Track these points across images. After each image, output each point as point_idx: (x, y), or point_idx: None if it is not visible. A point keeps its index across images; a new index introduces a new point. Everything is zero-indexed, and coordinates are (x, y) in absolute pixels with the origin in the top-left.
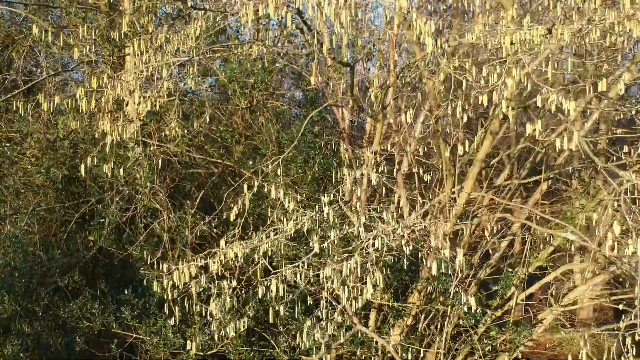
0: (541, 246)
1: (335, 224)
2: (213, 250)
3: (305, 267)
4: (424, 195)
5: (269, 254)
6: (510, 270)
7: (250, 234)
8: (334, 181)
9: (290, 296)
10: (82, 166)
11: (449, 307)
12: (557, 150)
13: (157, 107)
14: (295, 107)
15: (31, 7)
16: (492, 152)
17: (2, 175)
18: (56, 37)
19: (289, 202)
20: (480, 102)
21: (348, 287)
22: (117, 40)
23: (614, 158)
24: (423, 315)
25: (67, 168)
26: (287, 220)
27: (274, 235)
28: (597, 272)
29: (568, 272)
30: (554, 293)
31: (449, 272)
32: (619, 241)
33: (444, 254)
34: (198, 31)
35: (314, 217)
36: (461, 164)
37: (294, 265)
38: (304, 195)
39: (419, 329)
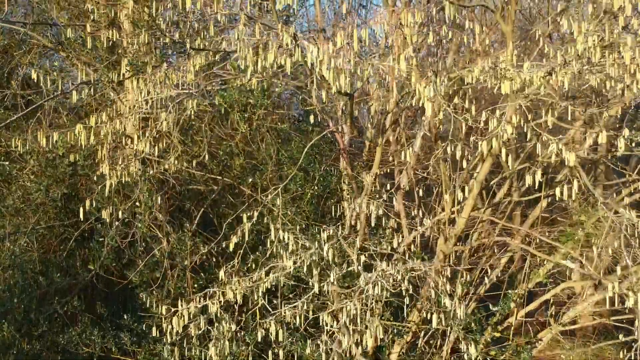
0: (543, 260)
1: (335, 262)
2: (212, 289)
3: (305, 307)
4: (424, 212)
5: (269, 291)
6: (509, 289)
7: (250, 264)
8: (334, 199)
9: (290, 339)
10: (81, 209)
11: (449, 327)
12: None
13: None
14: (294, 120)
15: (30, 24)
16: (493, 169)
17: (1, 194)
18: (55, 53)
19: (288, 237)
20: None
21: (348, 330)
22: (117, 71)
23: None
24: (422, 333)
25: (67, 186)
26: (286, 255)
27: (274, 274)
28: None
29: (569, 287)
30: (553, 312)
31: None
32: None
33: (444, 297)
34: (197, 67)
35: (313, 254)
36: (461, 181)
37: (293, 305)
38: (304, 213)
39: (419, 346)
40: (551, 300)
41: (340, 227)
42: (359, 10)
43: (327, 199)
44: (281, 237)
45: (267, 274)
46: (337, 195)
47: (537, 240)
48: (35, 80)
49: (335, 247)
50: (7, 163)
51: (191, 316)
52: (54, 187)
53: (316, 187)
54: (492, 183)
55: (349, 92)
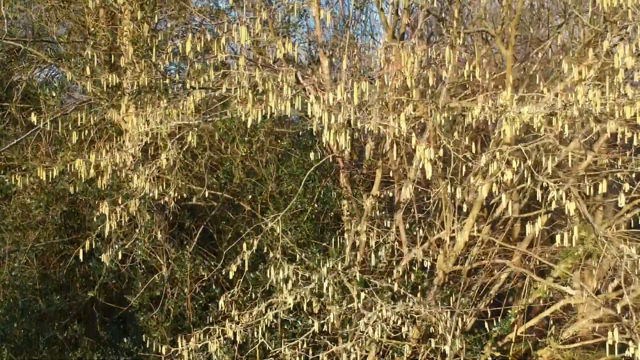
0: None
1: (335, 299)
2: (211, 327)
3: (305, 346)
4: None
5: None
6: (509, 304)
7: (250, 294)
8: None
9: None
10: (81, 251)
11: (448, 346)
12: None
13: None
14: (294, 135)
15: (30, 41)
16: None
17: (1, 212)
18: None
19: (288, 268)
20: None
21: None
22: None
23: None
24: (422, 349)
25: (67, 203)
26: (286, 289)
27: (273, 310)
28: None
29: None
30: (553, 331)
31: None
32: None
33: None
34: (197, 100)
35: (313, 289)
36: (462, 199)
37: (293, 343)
38: (304, 232)
39: None
40: (550, 318)
41: (339, 250)
42: (359, 24)
43: (327, 215)
44: (281, 272)
45: (267, 308)
46: (336, 211)
47: (537, 256)
48: (35, 94)
49: (336, 282)
50: (5, 176)
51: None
52: (53, 205)
53: (316, 205)
54: (492, 202)
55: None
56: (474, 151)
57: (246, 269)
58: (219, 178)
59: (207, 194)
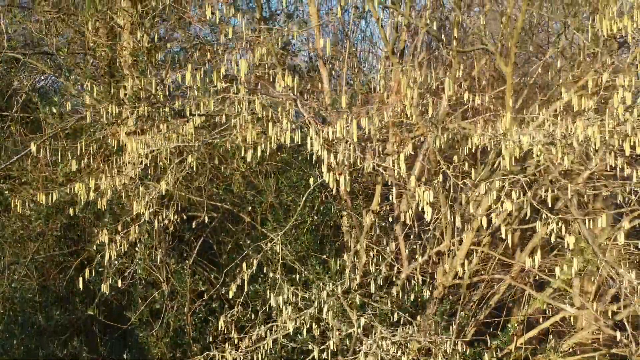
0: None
1: (335, 325)
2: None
3: None
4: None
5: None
6: (509, 315)
7: (250, 314)
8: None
9: None
10: (81, 279)
11: None
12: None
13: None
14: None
15: (30, 54)
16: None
17: (1, 223)
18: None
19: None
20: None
21: None
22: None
23: None
24: None
25: (66, 216)
26: (286, 312)
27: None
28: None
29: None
30: (552, 343)
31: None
32: None
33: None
34: (198, 123)
35: (313, 313)
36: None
37: None
38: (303, 244)
39: None
40: (550, 329)
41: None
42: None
43: (326, 226)
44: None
45: (266, 332)
46: (336, 222)
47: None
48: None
49: (336, 306)
50: (5, 185)
51: None
52: (53, 217)
53: (315, 217)
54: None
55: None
56: (473, 177)
57: (246, 289)
58: (219, 188)
59: (206, 205)
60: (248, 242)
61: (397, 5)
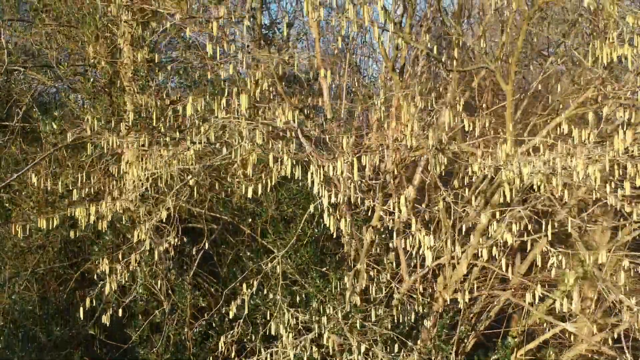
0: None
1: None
2: None
3: None
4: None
5: None
6: (508, 327)
7: (250, 335)
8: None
9: None
10: (81, 309)
11: None
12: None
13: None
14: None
15: (30, 67)
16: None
17: (1, 236)
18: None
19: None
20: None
21: None
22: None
23: None
24: None
25: (66, 228)
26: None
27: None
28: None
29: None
30: (552, 356)
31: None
32: None
33: None
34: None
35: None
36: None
37: None
38: (303, 257)
39: None
40: (550, 340)
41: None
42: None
43: (327, 237)
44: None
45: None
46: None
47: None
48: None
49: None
50: (6, 195)
51: None
52: (54, 229)
53: (316, 230)
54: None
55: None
56: (473, 203)
57: (246, 311)
58: (219, 200)
59: (207, 216)
60: (248, 253)
61: (398, 26)
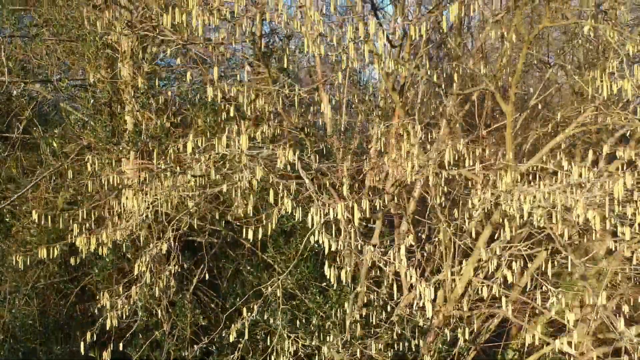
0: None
1: None
2: None
3: None
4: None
5: None
6: (508, 340)
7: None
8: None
9: None
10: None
11: None
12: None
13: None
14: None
15: (30, 82)
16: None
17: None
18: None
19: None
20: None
21: None
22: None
23: None
24: None
25: (66, 243)
26: None
27: None
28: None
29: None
30: None
31: None
32: None
33: None
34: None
35: None
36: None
37: None
38: (303, 273)
39: None
40: (550, 353)
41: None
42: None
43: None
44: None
45: None
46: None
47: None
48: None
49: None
50: (6, 207)
51: None
52: (54, 244)
53: (316, 244)
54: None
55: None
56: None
57: (246, 337)
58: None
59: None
60: (248, 267)
61: (398, 50)
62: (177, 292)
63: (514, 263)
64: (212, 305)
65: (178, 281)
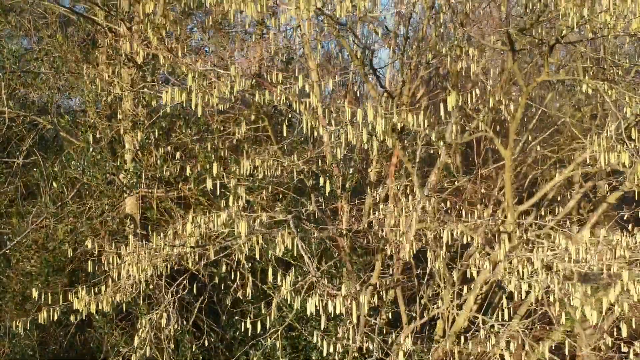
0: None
1: None
2: None
3: None
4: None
5: None
6: None
7: None
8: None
9: None
10: None
11: None
12: None
13: None
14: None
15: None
16: None
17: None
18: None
19: None
20: None
21: None
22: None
23: None
24: None
25: (66, 274)
26: None
27: None
28: None
29: None
30: None
31: None
32: None
33: None
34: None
35: None
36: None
37: None
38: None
39: None
40: None
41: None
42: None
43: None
44: None
45: None
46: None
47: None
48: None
49: None
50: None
51: None
52: (54, 276)
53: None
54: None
55: None
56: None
57: None
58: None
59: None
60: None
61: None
62: (177, 323)
63: (511, 344)
64: (212, 336)
65: (178, 313)
